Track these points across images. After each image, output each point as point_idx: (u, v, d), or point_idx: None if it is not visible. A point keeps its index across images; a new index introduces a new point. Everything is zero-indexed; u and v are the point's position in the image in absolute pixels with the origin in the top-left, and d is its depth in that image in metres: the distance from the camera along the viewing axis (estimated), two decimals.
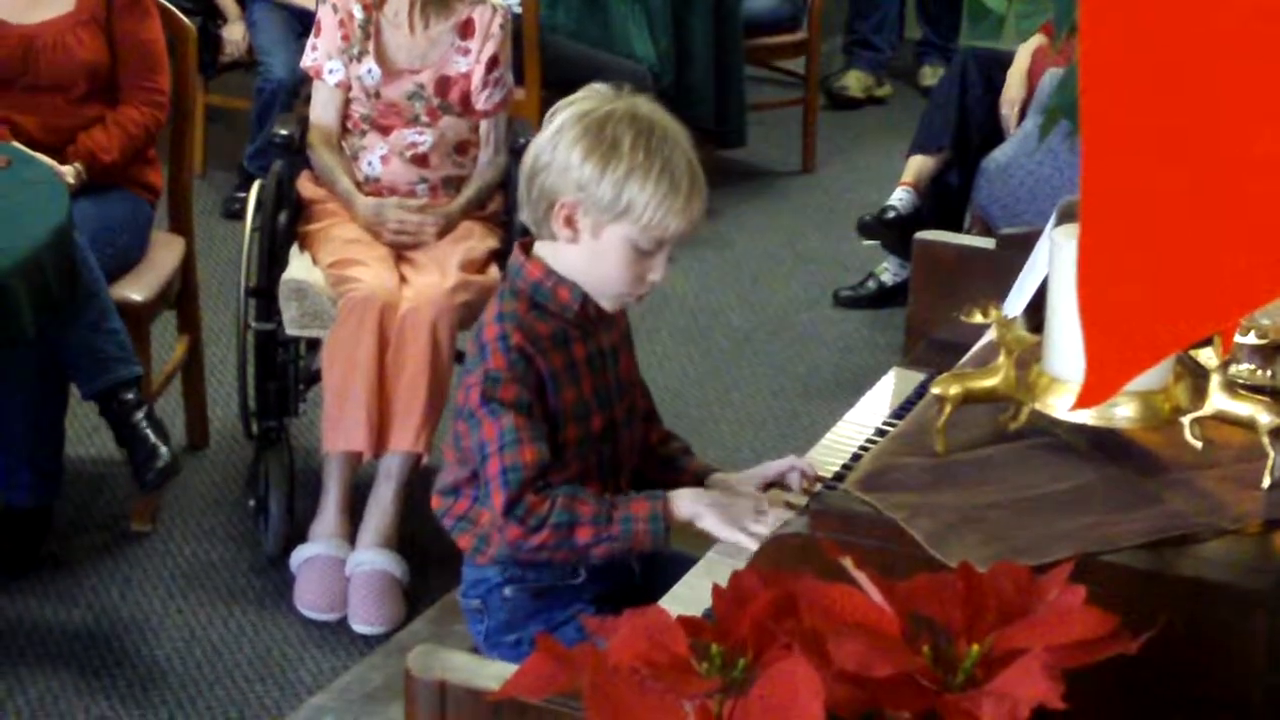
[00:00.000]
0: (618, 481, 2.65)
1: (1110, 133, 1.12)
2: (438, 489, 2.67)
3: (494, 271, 3.95)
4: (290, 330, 3.88)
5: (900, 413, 2.84)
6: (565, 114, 2.50)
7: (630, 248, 2.49)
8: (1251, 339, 2.38)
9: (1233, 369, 2.31)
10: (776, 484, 2.67)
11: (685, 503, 2.53)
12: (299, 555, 3.78)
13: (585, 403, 2.56)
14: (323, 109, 4.03)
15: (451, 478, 2.63)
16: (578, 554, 2.51)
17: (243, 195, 5.06)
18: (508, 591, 2.61)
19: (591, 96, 2.53)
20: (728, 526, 2.50)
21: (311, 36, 4.05)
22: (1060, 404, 2.20)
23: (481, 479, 2.53)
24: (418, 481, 3.82)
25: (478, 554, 2.62)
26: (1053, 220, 2.62)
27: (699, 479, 2.72)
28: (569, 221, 2.49)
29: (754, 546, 2.40)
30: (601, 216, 2.47)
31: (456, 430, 2.59)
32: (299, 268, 3.90)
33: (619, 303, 2.58)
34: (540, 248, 2.56)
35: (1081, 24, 1.13)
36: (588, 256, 2.51)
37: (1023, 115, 4.98)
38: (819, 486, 2.62)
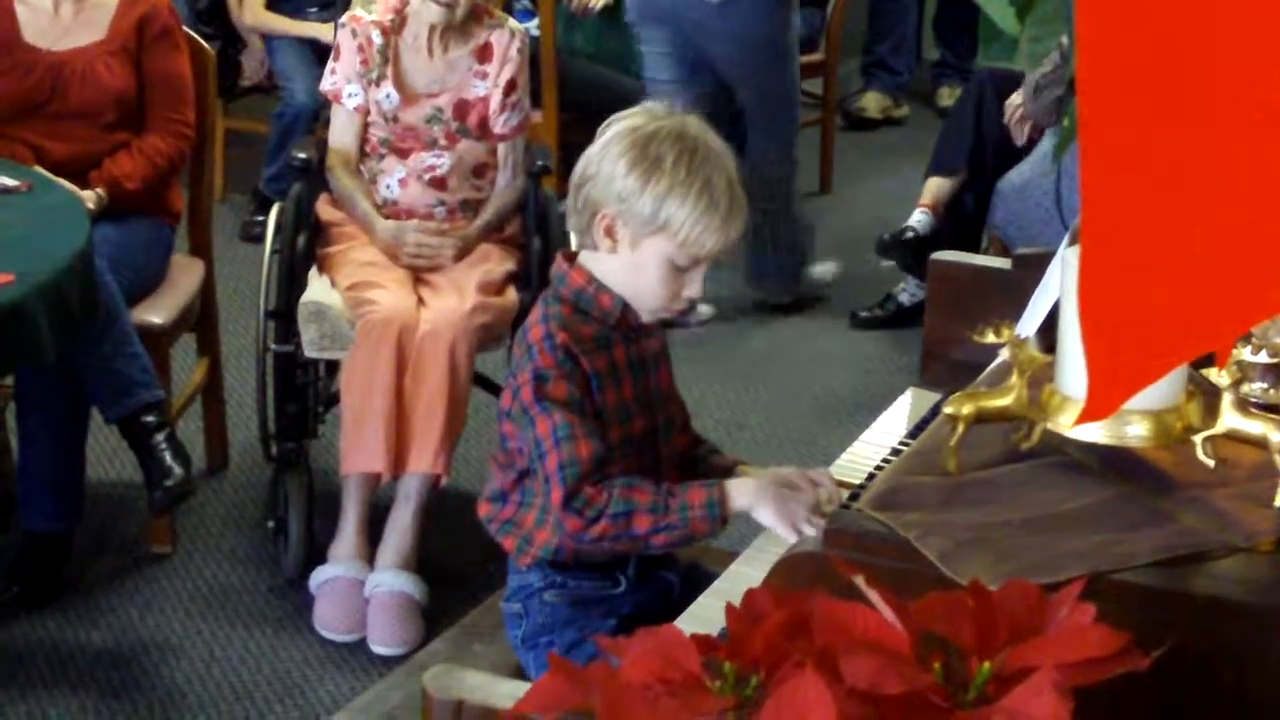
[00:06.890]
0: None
1: (1110, 150, 1.13)
2: (486, 496, 2.70)
3: (512, 293, 3.96)
4: (309, 352, 3.90)
5: (916, 432, 2.84)
6: (616, 128, 2.57)
7: (667, 263, 2.54)
8: (1263, 358, 2.38)
9: (1245, 387, 2.31)
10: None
11: (742, 494, 2.49)
12: (318, 576, 3.79)
13: (626, 405, 2.60)
14: (341, 132, 4.05)
15: (498, 483, 2.67)
16: (638, 543, 2.52)
17: (261, 219, 5.09)
18: (547, 596, 2.65)
19: (643, 113, 2.59)
20: (782, 522, 2.43)
21: (330, 61, 4.08)
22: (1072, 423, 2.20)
23: (540, 475, 2.55)
24: (436, 503, 3.84)
25: (521, 555, 2.65)
26: (1065, 240, 2.63)
27: (726, 475, 2.74)
28: (609, 231, 2.55)
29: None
30: (640, 230, 2.52)
31: (503, 432, 2.63)
32: (318, 290, 3.92)
33: (656, 316, 2.63)
34: (584, 257, 2.62)
35: (1079, 40, 1.13)
36: (627, 268, 2.56)
37: (1039, 133, 4.98)
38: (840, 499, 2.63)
